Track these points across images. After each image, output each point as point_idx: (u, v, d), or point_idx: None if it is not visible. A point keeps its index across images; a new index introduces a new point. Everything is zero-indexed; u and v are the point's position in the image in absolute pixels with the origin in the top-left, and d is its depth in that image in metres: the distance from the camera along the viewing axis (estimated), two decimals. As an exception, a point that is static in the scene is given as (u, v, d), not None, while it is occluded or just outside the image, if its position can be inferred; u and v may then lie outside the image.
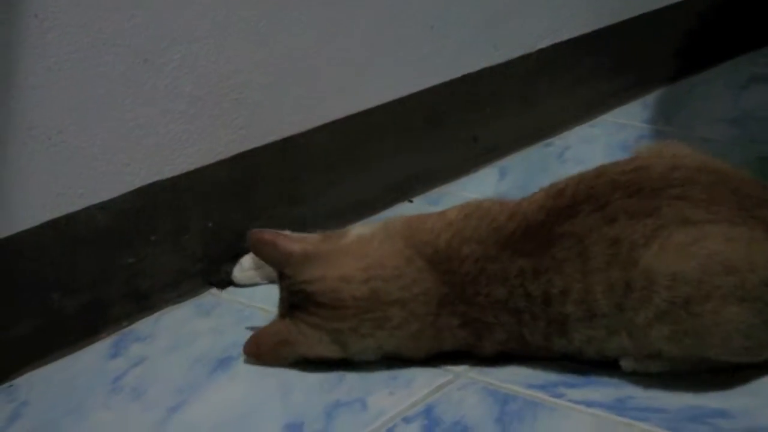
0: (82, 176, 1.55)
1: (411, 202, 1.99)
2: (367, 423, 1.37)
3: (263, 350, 1.49)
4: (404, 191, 2.00)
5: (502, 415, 1.37)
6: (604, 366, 1.43)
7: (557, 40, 2.25)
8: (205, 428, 1.38)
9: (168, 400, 1.44)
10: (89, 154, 1.54)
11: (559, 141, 2.25)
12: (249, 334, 1.51)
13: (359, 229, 1.50)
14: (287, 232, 1.52)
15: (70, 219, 1.54)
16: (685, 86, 2.53)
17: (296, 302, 1.45)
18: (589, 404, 1.38)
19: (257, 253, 1.52)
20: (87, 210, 1.56)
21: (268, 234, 1.48)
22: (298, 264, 1.44)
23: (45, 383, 1.50)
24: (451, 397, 1.41)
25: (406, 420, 1.37)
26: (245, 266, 1.69)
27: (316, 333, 1.44)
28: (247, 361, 1.51)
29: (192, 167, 1.67)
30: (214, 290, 1.70)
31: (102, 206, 1.58)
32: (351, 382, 1.45)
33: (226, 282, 1.71)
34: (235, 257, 1.70)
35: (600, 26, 2.34)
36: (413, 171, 2.02)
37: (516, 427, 1.34)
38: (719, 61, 2.66)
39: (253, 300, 1.67)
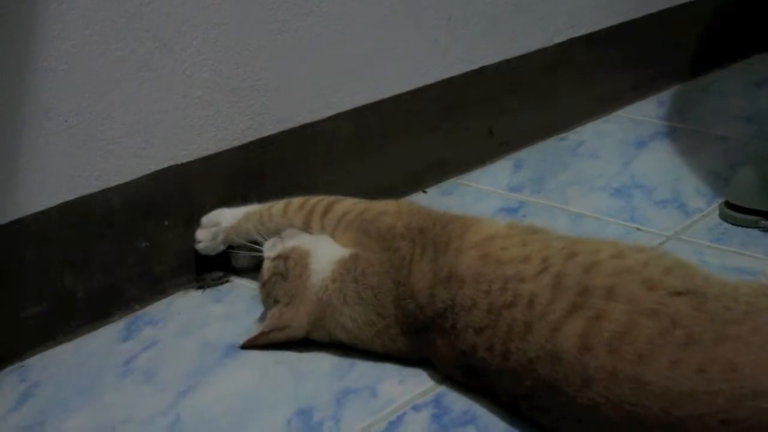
0: (98, 159, 1.55)
1: (425, 192, 1.99)
2: (376, 410, 1.38)
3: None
4: (419, 181, 2.00)
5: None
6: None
7: (574, 35, 2.25)
8: (215, 412, 1.39)
9: (178, 384, 1.45)
10: (105, 137, 1.55)
11: (573, 135, 2.25)
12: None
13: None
14: (275, 313, 1.50)
15: (84, 201, 1.55)
16: (701, 84, 2.52)
17: None
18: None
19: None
20: (102, 193, 1.57)
21: (258, 340, 1.50)
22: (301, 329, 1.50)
23: (56, 364, 1.51)
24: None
25: (416, 408, 1.38)
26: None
27: None
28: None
29: (208, 153, 1.68)
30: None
31: (117, 189, 1.58)
32: (362, 370, 1.45)
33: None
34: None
35: (617, 22, 2.34)
36: (428, 161, 2.02)
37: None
38: (735, 59, 2.65)
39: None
